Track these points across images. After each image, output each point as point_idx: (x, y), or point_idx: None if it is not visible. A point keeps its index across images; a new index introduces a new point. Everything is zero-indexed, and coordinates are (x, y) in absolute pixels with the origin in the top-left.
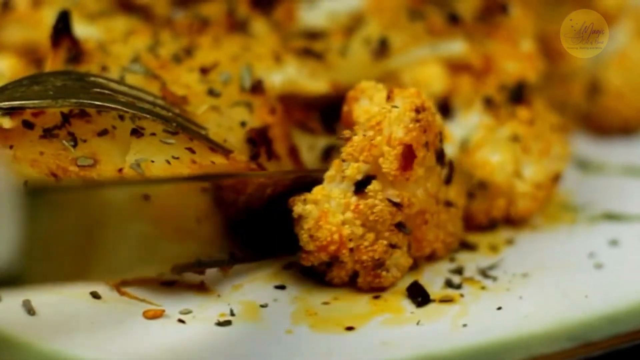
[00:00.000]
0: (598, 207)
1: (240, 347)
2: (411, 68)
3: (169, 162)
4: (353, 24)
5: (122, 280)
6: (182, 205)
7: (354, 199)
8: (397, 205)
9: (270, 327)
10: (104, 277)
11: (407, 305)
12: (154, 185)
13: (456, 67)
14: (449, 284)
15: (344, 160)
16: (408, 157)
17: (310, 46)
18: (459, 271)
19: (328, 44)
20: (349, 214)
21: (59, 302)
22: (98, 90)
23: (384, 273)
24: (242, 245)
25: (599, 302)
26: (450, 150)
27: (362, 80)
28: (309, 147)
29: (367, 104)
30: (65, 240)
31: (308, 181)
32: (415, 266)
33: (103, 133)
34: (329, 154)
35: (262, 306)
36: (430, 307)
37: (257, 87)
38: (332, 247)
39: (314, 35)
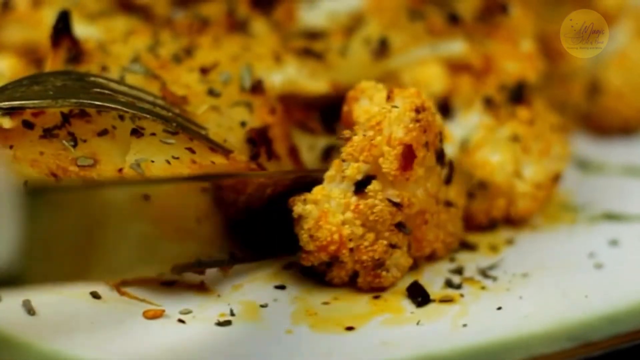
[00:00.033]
0: (598, 207)
1: (240, 347)
2: (411, 68)
3: (169, 162)
4: (353, 24)
5: (122, 280)
6: (182, 205)
7: (354, 199)
8: (397, 205)
9: (270, 327)
10: (104, 277)
11: (407, 305)
12: (154, 185)
13: (456, 67)
14: (449, 284)
15: (344, 160)
16: (408, 157)
17: (310, 46)
18: (459, 271)
19: (328, 44)
20: (349, 214)
21: (59, 302)
22: (98, 90)
23: (384, 273)
24: (242, 245)
25: (599, 302)
26: (450, 150)
27: (362, 80)
28: (309, 147)
29: (367, 104)
30: (66, 240)
31: (308, 181)
32: (415, 266)
33: (103, 133)
34: (328, 154)
35: (262, 306)
36: (430, 307)
37: (257, 87)
38: (332, 247)
39: (313, 35)
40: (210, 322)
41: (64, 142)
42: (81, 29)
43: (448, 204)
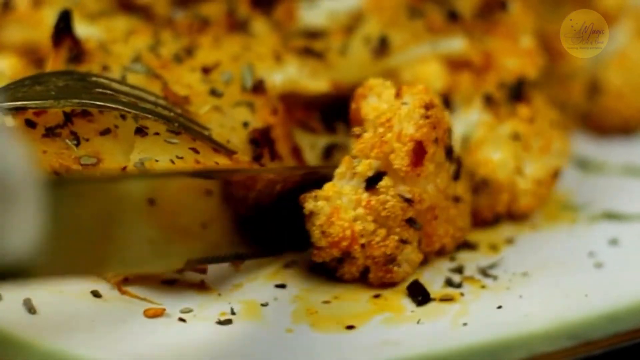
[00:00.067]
0: (598, 206)
1: (240, 345)
2: (411, 66)
3: (173, 162)
4: (353, 23)
5: (126, 277)
6: (187, 210)
7: (365, 195)
8: (409, 201)
9: (271, 326)
10: (118, 270)
11: (408, 304)
12: (167, 179)
13: (456, 64)
14: (449, 283)
15: (354, 157)
16: (419, 153)
17: (310, 45)
18: (459, 270)
19: (328, 43)
20: (360, 210)
21: (59, 301)
22: (100, 90)
23: (395, 268)
24: (252, 241)
25: (599, 301)
26: None
27: (362, 79)
28: (310, 146)
29: (376, 101)
30: (82, 232)
31: (317, 178)
32: (425, 261)
33: (105, 132)
34: (329, 153)
35: (262, 305)
36: (430, 306)
37: (258, 87)
38: (344, 243)
39: (314, 34)
40: (211, 321)
41: (67, 141)
42: (82, 29)
43: (456, 199)
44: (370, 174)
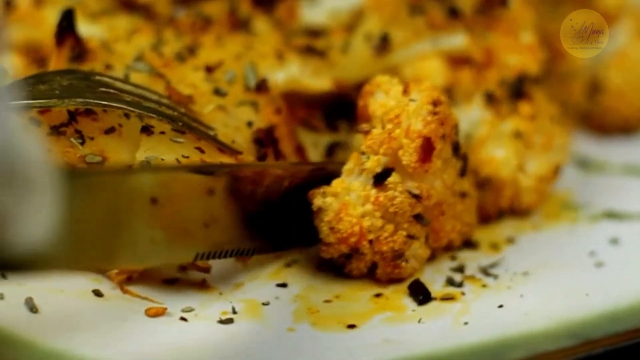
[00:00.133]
0: (599, 206)
1: (242, 345)
2: (412, 63)
3: (178, 161)
4: (354, 21)
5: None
6: (196, 204)
7: (373, 192)
8: (417, 197)
9: (272, 325)
10: (129, 263)
11: (409, 303)
12: (177, 173)
13: (457, 60)
14: (450, 282)
15: (362, 153)
16: (427, 149)
17: (312, 44)
18: (460, 269)
19: (330, 41)
20: (368, 206)
21: (61, 300)
22: (104, 89)
23: (403, 264)
24: (260, 236)
25: (599, 300)
26: None
27: (364, 77)
28: (313, 145)
29: (383, 98)
30: (95, 224)
31: (324, 174)
32: (432, 257)
33: (110, 131)
34: (332, 151)
35: (263, 304)
36: (431, 305)
37: (262, 86)
38: (353, 239)
39: (315, 33)
40: (212, 320)
41: (72, 139)
42: (84, 28)
43: (463, 195)
44: (378, 170)
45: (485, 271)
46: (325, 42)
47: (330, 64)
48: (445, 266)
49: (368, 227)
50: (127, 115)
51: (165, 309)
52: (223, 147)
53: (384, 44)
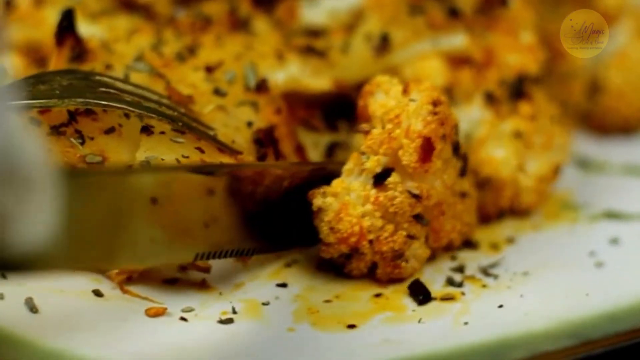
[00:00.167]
0: (599, 206)
1: (242, 345)
2: (412, 63)
3: (178, 161)
4: (354, 21)
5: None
6: (195, 204)
7: (373, 192)
8: (417, 197)
9: (272, 325)
10: (129, 263)
11: (409, 303)
12: (177, 173)
13: (457, 60)
14: (450, 282)
15: (362, 153)
16: (427, 149)
17: (312, 44)
18: (460, 269)
19: (329, 41)
20: (369, 206)
21: (61, 300)
22: (104, 89)
23: (403, 264)
24: (260, 236)
25: (599, 301)
26: None
27: (364, 77)
28: (313, 145)
29: (383, 98)
30: (95, 224)
31: (324, 174)
32: (432, 257)
33: (110, 131)
34: (332, 151)
35: (263, 304)
36: (431, 305)
37: (262, 86)
38: (353, 239)
39: (315, 33)
40: (212, 320)
41: (72, 139)
42: (83, 28)
43: (463, 195)
44: (378, 170)
45: (485, 271)
46: (325, 42)
47: (330, 64)
48: (445, 266)
49: (368, 227)
50: (127, 115)
51: (165, 309)
52: (223, 147)
53: (383, 44)
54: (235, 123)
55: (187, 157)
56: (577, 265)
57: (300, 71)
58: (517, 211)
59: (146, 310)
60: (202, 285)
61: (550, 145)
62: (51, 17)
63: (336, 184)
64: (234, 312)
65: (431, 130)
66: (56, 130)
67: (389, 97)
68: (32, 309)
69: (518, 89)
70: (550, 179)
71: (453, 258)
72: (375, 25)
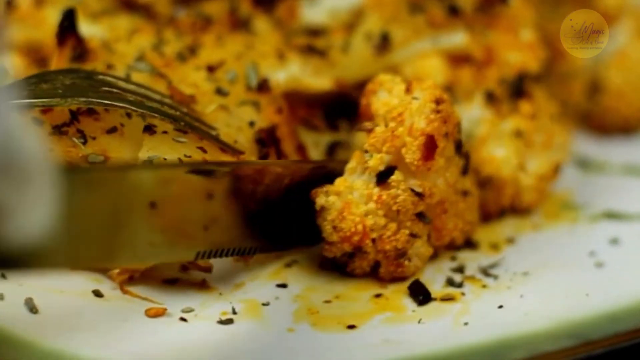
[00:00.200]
0: (599, 206)
1: (242, 345)
2: (412, 61)
3: (181, 161)
4: (354, 20)
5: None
6: (196, 204)
7: (376, 190)
8: (419, 195)
9: (272, 326)
10: (129, 262)
11: (409, 303)
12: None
13: (457, 59)
14: (450, 282)
15: (365, 152)
16: (430, 147)
17: (312, 43)
18: (460, 270)
19: (330, 40)
20: (371, 205)
21: (61, 300)
22: (106, 88)
23: (406, 262)
24: (261, 235)
25: (599, 301)
26: None
27: (364, 76)
28: (314, 144)
29: (386, 97)
30: (95, 222)
31: (325, 172)
32: (435, 255)
33: (112, 130)
34: (333, 151)
35: (264, 304)
36: (431, 306)
37: (263, 86)
38: (356, 238)
39: (315, 32)
40: (212, 320)
41: (74, 139)
42: (84, 28)
43: (465, 193)
44: (381, 168)
45: (485, 271)
46: (325, 41)
47: (330, 64)
48: (445, 266)
49: (371, 225)
50: (129, 115)
51: (165, 309)
52: (225, 147)
53: (384, 43)
54: (237, 123)
55: (190, 156)
56: (577, 266)
57: (300, 71)
58: (517, 210)
59: (146, 311)
60: (202, 286)
61: (551, 144)
62: (52, 17)
63: (339, 182)
64: (234, 312)
65: (434, 128)
66: (58, 130)
67: (392, 95)
68: (32, 309)
69: (518, 88)
70: (551, 177)
71: (453, 258)
72: (376, 24)
